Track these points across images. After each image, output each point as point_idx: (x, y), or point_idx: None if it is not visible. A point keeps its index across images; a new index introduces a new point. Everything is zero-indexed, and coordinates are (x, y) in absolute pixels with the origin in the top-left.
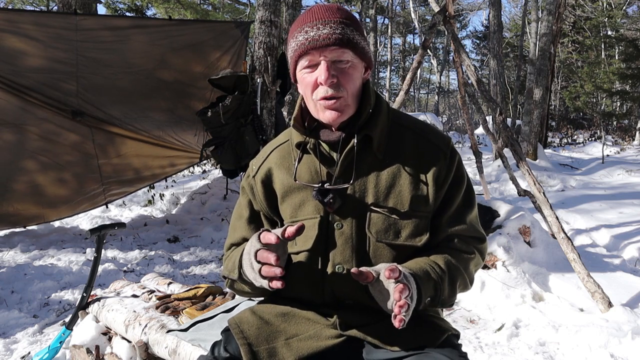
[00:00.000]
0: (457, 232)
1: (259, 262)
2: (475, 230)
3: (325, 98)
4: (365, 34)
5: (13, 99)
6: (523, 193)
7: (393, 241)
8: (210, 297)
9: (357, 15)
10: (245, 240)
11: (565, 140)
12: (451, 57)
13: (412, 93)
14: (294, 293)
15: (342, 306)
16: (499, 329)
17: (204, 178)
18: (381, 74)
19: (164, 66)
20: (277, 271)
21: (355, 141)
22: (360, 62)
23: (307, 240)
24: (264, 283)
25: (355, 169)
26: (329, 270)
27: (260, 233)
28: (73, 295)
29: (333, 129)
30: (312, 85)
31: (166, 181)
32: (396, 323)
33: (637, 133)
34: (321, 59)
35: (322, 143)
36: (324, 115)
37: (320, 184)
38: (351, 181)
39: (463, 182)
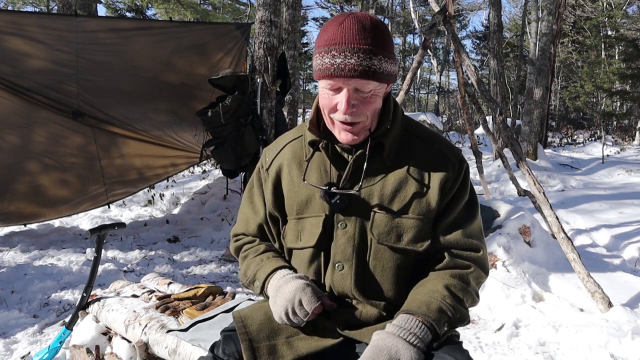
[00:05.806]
0: (451, 241)
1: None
2: (470, 241)
3: (343, 123)
4: (394, 50)
5: (17, 100)
6: (523, 193)
7: (394, 244)
8: (210, 297)
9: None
10: (262, 231)
11: (565, 140)
12: (451, 57)
13: (412, 93)
14: None
15: (341, 304)
16: (499, 329)
17: (204, 178)
18: None
19: (169, 69)
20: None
21: (368, 148)
22: (385, 85)
23: (311, 238)
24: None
25: (364, 174)
26: (330, 267)
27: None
28: (73, 295)
29: None
30: (332, 106)
31: (167, 181)
32: None
33: (637, 133)
34: (344, 87)
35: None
36: (340, 135)
37: (327, 187)
38: (358, 185)
39: (466, 193)
